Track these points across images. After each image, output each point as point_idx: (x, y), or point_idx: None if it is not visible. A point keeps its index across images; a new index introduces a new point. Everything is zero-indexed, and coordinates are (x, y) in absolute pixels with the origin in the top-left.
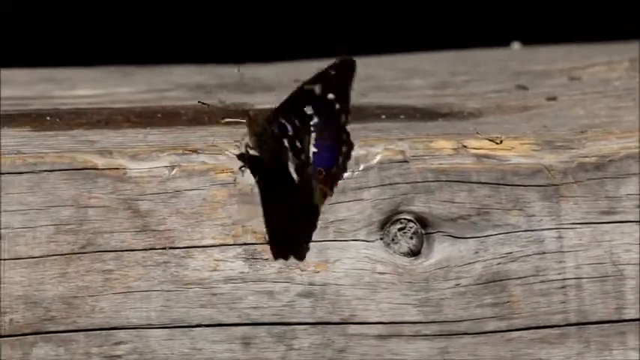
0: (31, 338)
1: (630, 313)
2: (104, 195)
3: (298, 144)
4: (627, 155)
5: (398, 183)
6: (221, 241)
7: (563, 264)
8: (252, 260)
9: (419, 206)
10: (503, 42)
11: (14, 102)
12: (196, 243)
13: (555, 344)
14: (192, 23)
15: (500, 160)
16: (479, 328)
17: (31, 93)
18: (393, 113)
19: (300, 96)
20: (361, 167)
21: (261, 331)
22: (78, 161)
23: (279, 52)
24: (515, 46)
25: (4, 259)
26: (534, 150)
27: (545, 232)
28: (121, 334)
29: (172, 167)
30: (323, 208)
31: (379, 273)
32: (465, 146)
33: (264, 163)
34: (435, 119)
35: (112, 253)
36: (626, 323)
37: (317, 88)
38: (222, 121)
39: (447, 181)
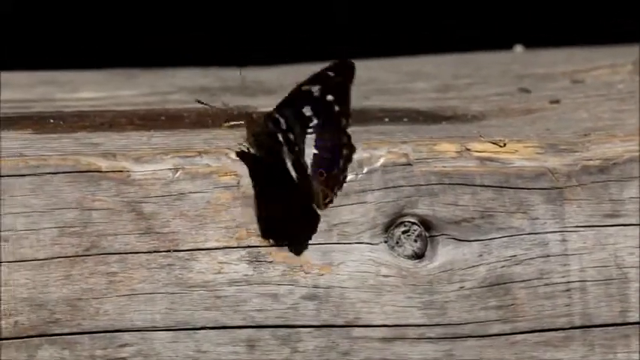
0: (36, 340)
1: (634, 316)
2: (108, 197)
3: (291, 136)
4: (631, 158)
5: (402, 186)
6: (225, 244)
7: (568, 267)
8: (257, 263)
9: (423, 209)
10: (506, 45)
11: (16, 104)
12: (200, 245)
13: (560, 347)
14: (192, 23)
15: (503, 163)
16: (483, 330)
17: (33, 95)
18: (396, 116)
19: (298, 96)
20: (365, 170)
21: (265, 333)
22: (81, 164)
23: (279, 52)
24: (518, 49)
25: (9, 262)
26: (538, 153)
27: (549, 235)
28: (126, 337)
29: (176, 170)
30: (326, 211)
31: (383, 276)
32: (468, 149)
33: (262, 161)
34: (438, 122)
35: (116, 256)
36: (630, 326)
37: (315, 89)
38: (226, 124)
39: (450, 184)
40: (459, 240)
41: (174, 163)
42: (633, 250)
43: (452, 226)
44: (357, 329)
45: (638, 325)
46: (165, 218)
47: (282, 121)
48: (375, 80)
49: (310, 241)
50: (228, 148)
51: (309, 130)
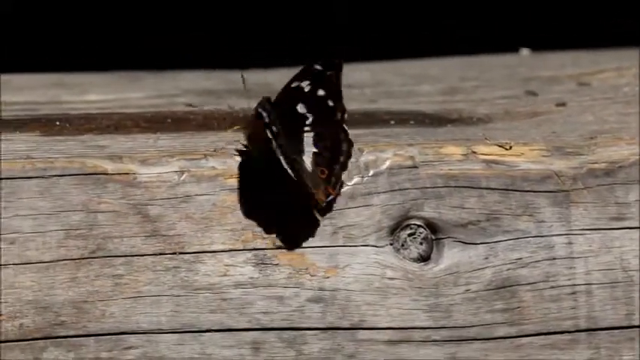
0: (41, 343)
1: None
2: (114, 200)
3: (274, 129)
4: (636, 161)
5: (407, 188)
6: (231, 246)
7: (573, 270)
8: (262, 265)
9: (429, 212)
10: (507, 44)
11: (23, 107)
12: (206, 248)
13: (565, 350)
14: (192, 23)
15: (509, 165)
16: (489, 333)
17: (39, 98)
18: (402, 119)
19: (289, 94)
20: (371, 173)
21: (270, 336)
22: (88, 166)
23: (279, 52)
24: (524, 52)
25: (16, 264)
26: (544, 156)
27: (555, 237)
28: (131, 339)
29: (182, 172)
30: (333, 213)
31: (389, 278)
32: (474, 152)
33: (255, 158)
34: (444, 125)
35: (122, 258)
36: (635, 329)
37: (305, 85)
38: (233, 128)
39: (456, 186)
40: (465, 243)
41: (180, 166)
42: (638, 253)
43: (458, 229)
44: (362, 332)
45: None
46: (171, 221)
47: (264, 114)
48: (382, 83)
49: (315, 244)
50: (235, 151)
51: (307, 129)
